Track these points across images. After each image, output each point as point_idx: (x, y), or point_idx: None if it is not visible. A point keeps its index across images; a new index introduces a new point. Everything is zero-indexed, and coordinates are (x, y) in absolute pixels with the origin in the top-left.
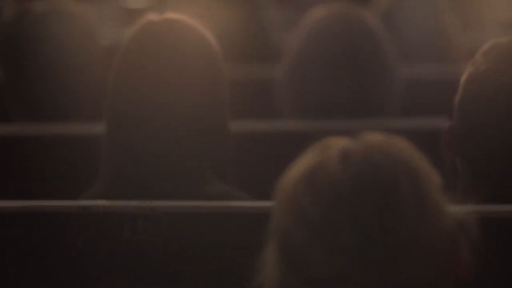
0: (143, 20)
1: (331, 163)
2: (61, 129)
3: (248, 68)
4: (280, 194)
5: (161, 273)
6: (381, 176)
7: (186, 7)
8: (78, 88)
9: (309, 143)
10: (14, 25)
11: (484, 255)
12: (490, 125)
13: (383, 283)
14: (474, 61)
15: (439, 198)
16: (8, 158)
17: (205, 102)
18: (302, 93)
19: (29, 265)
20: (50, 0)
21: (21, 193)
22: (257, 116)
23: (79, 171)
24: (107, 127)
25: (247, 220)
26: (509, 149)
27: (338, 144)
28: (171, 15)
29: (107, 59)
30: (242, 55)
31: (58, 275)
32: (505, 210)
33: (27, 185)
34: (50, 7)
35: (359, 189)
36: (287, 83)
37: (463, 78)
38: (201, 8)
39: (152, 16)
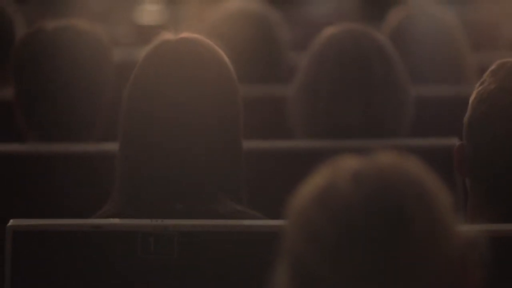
0: (159, 39)
1: (343, 184)
2: (73, 147)
3: (262, 86)
4: (292, 214)
5: None
6: (393, 198)
7: (199, 25)
8: (91, 106)
9: (320, 161)
10: (28, 43)
11: (494, 275)
12: (499, 144)
13: None
14: (482, 81)
15: (449, 219)
16: (21, 176)
17: (219, 121)
18: (312, 113)
19: (42, 283)
20: (63, 17)
21: (34, 212)
22: (269, 135)
23: (92, 190)
24: (121, 146)
25: (259, 239)
26: None
27: (350, 164)
28: (186, 34)
29: (120, 76)
30: (255, 74)
31: None
32: None
33: (39, 204)
34: (64, 24)
35: (371, 211)
36: (298, 102)
37: (472, 97)
38: (214, 27)
39: (167, 35)
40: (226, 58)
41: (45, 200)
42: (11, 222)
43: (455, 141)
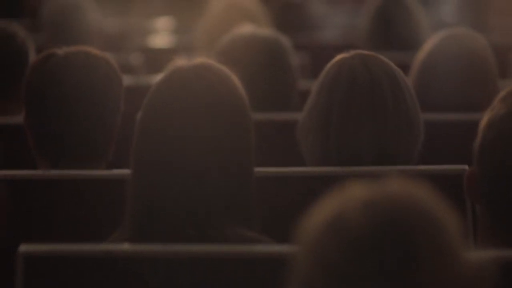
0: (171, 65)
1: (354, 213)
2: (85, 173)
3: (272, 111)
4: (303, 241)
5: None
6: (402, 228)
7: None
8: (102, 132)
9: (330, 188)
10: (39, 68)
11: None
12: (509, 170)
13: None
14: (493, 106)
15: (459, 248)
16: (32, 202)
17: (231, 148)
18: (322, 139)
19: None
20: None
21: (45, 237)
22: (279, 160)
23: (103, 215)
24: (133, 172)
25: (269, 265)
26: None
27: (360, 192)
28: (198, 60)
29: (130, 101)
30: (267, 100)
31: None
32: None
33: (51, 229)
34: (75, 50)
35: (381, 241)
36: (308, 128)
37: (482, 123)
38: (226, 52)
39: (180, 62)
40: (238, 85)
41: (56, 225)
42: (22, 247)
43: (465, 167)
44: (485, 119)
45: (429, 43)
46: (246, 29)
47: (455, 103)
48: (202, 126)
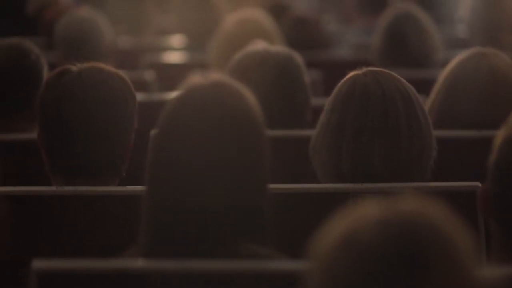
0: (186, 84)
1: (367, 231)
2: (99, 189)
3: (286, 128)
4: (317, 258)
5: None
6: (415, 247)
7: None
8: (115, 148)
9: (343, 204)
10: (52, 84)
11: None
12: None
13: None
14: (509, 124)
15: (471, 264)
16: (46, 218)
17: (245, 165)
18: (335, 156)
19: None
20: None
21: (58, 253)
22: (292, 177)
23: (117, 232)
24: (147, 188)
25: (282, 281)
26: None
27: (374, 210)
28: (213, 77)
29: (143, 117)
30: (280, 117)
31: None
32: None
33: (64, 245)
34: (88, 66)
35: (395, 259)
36: (321, 145)
37: (497, 140)
38: (240, 69)
39: (195, 79)
40: (252, 102)
41: (70, 242)
42: (36, 263)
43: (478, 184)
44: (500, 136)
45: (454, 61)
46: (259, 45)
47: (479, 121)
48: (217, 144)
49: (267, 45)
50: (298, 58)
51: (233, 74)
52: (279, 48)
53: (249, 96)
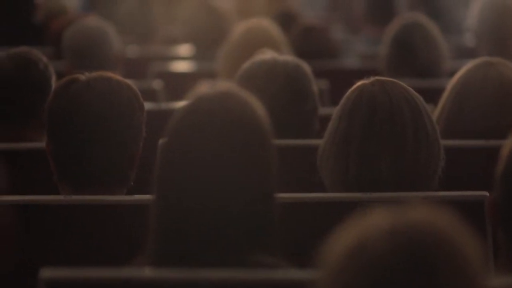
0: (194, 93)
1: (377, 241)
2: (107, 198)
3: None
4: (326, 267)
5: None
6: (424, 256)
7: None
8: (123, 158)
9: (351, 214)
10: (60, 93)
11: None
12: None
13: None
14: None
15: (479, 273)
16: (54, 227)
17: (253, 175)
18: (343, 165)
19: None
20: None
21: (67, 263)
22: (300, 186)
23: (125, 241)
24: (156, 197)
25: None
26: None
27: (383, 220)
28: (221, 87)
29: (150, 125)
30: (288, 126)
31: None
32: None
33: (73, 254)
34: (97, 76)
35: (404, 268)
36: (328, 154)
37: (505, 150)
38: (248, 78)
39: (203, 88)
40: (260, 112)
41: (78, 250)
42: (44, 272)
43: (486, 194)
44: (507, 145)
45: (462, 70)
46: (267, 55)
47: (487, 130)
48: (225, 153)
49: (275, 54)
50: (306, 67)
51: (241, 83)
52: (287, 57)
53: (257, 106)
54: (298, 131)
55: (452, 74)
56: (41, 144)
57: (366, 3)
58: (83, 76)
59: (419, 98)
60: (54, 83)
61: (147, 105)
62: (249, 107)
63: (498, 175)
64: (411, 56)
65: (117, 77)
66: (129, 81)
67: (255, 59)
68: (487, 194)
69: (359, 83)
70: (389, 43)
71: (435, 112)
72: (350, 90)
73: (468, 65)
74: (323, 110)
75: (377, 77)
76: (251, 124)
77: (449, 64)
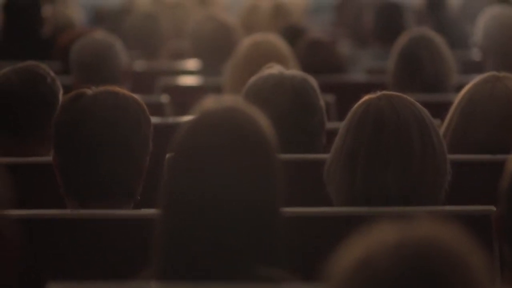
0: (201, 108)
1: (383, 256)
2: (113, 213)
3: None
4: (332, 283)
5: None
6: (431, 273)
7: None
8: (130, 172)
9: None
10: (68, 107)
11: None
12: None
13: None
14: None
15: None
16: (60, 241)
17: (259, 189)
18: (349, 179)
19: None
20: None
21: (73, 277)
22: (306, 200)
23: (131, 254)
24: (162, 211)
25: None
26: None
27: (389, 235)
28: (227, 102)
29: (157, 139)
30: (295, 140)
31: None
32: None
33: (79, 269)
34: (104, 90)
35: (410, 284)
36: (335, 168)
37: (510, 164)
38: (255, 92)
39: (209, 103)
40: (266, 127)
41: (84, 264)
42: (51, 286)
43: (492, 208)
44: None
45: (469, 85)
46: (274, 69)
47: (494, 145)
48: (231, 168)
49: (282, 68)
50: (312, 81)
51: (248, 97)
52: (294, 71)
53: (263, 120)
54: (305, 145)
55: (459, 88)
56: (48, 158)
57: (374, 19)
58: (90, 91)
59: (426, 113)
60: (61, 97)
61: (154, 119)
62: (254, 122)
63: (503, 189)
64: (418, 70)
65: (124, 91)
66: (136, 95)
67: (263, 73)
68: (494, 208)
69: (365, 97)
70: (396, 58)
71: (441, 127)
72: (356, 105)
73: (475, 80)
74: (329, 124)
75: (383, 91)
76: (257, 139)
77: (456, 79)
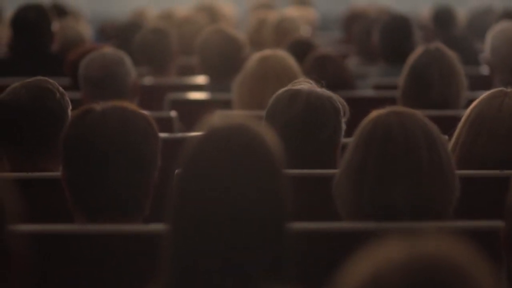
0: (208, 124)
1: (391, 273)
2: (121, 228)
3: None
4: None
5: None
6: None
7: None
8: (138, 187)
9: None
10: (76, 123)
11: None
12: None
13: None
14: None
15: None
16: (70, 256)
17: (267, 205)
18: (358, 195)
19: None
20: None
21: None
22: (315, 215)
23: (139, 270)
24: (171, 227)
25: None
26: None
27: (397, 252)
28: (236, 119)
29: (166, 154)
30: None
31: None
32: None
33: (87, 284)
34: (112, 106)
35: None
36: (343, 183)
37: None
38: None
39: (217, 120)
40: (273, 144)
41: (92, 280)
42: None
43: (500, 223)
44: None
45: (477, 100)
46: (303, 85)
47: (502, 160)
48: (239, 184)
49: (312, 84)
50: (338, 101)
51: (268, 110)
52: (321, 89)
53: (270, 137)
54: (311, 159)
55: (467, 104)
56: (57, 173)
57: (380, 38)
58: (98, 106)
59: (435, 128)
60: (70, 112)
61: (163, 134)
62: (262, 138)
63: (510, 205)
64: (427, 88)
65: (133, 107)
66: (144, 111)
67: (291, 87)
68: (501, 223)
69: (374, 112)
70: (407, 73)
71: (450, 142)
72: (365, 120)
73: (483, 96)
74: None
75: (392, 107)
76: (264, 156)
77: (465, 94)
